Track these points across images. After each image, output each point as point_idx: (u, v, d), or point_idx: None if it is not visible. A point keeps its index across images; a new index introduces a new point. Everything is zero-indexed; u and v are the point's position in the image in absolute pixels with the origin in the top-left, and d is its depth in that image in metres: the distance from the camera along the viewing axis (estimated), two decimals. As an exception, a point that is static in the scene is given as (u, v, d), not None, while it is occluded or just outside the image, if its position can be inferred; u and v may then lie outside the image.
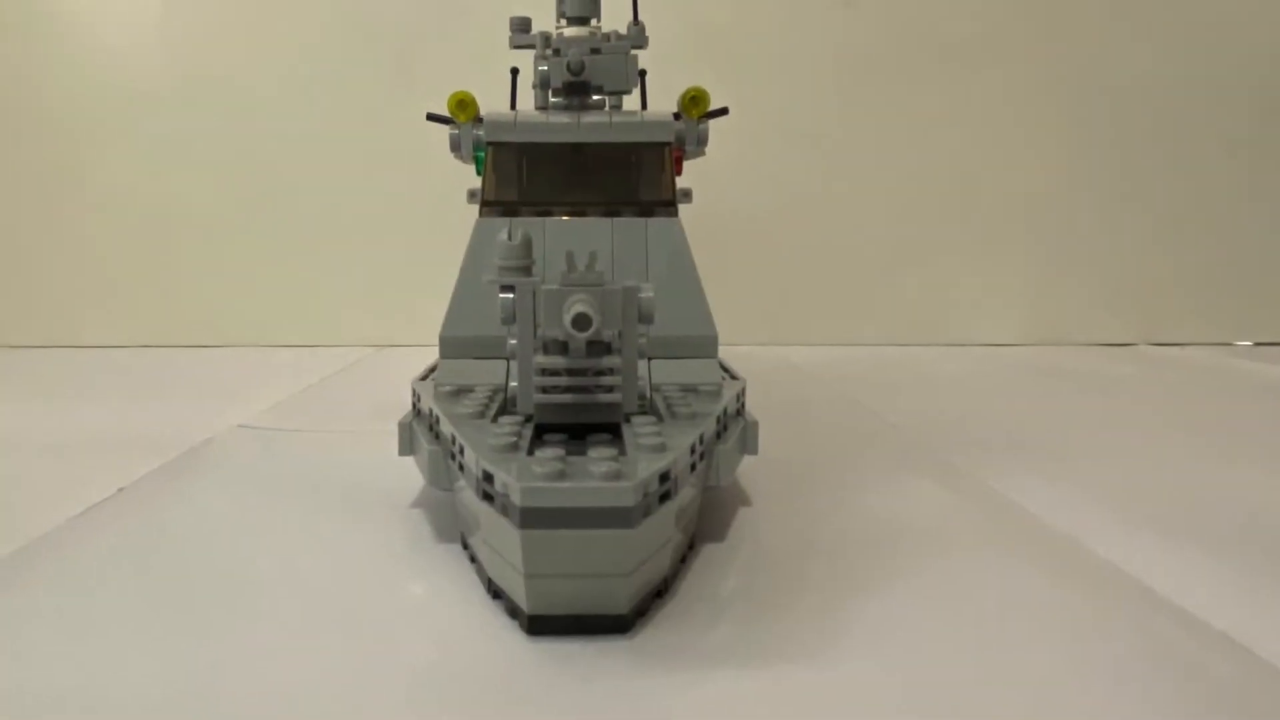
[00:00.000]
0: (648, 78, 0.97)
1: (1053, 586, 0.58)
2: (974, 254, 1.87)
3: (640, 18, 0.97)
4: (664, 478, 0.51)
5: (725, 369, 0.82)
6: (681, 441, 0.56)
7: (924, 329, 1.81)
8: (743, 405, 0.75)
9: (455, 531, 0.64)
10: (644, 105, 0.97)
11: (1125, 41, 1.86)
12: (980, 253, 1.88)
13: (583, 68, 0.88)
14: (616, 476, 0.47)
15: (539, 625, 0.50)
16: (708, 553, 0.63)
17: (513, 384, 0.64)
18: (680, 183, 0.90)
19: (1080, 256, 1.91)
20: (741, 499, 0.75)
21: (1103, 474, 0.86)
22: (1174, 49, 1.86)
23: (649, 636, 0.50)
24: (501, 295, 0.60)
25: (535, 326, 0.59)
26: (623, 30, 0.93)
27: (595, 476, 0.47)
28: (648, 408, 0.68)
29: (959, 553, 0.64)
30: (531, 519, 0.46)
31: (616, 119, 0.87)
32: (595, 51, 0.89)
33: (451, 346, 0.80)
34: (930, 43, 1.83)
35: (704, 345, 0.80)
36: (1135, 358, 1.71)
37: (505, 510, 0.48)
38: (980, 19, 1.84)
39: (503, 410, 0.66)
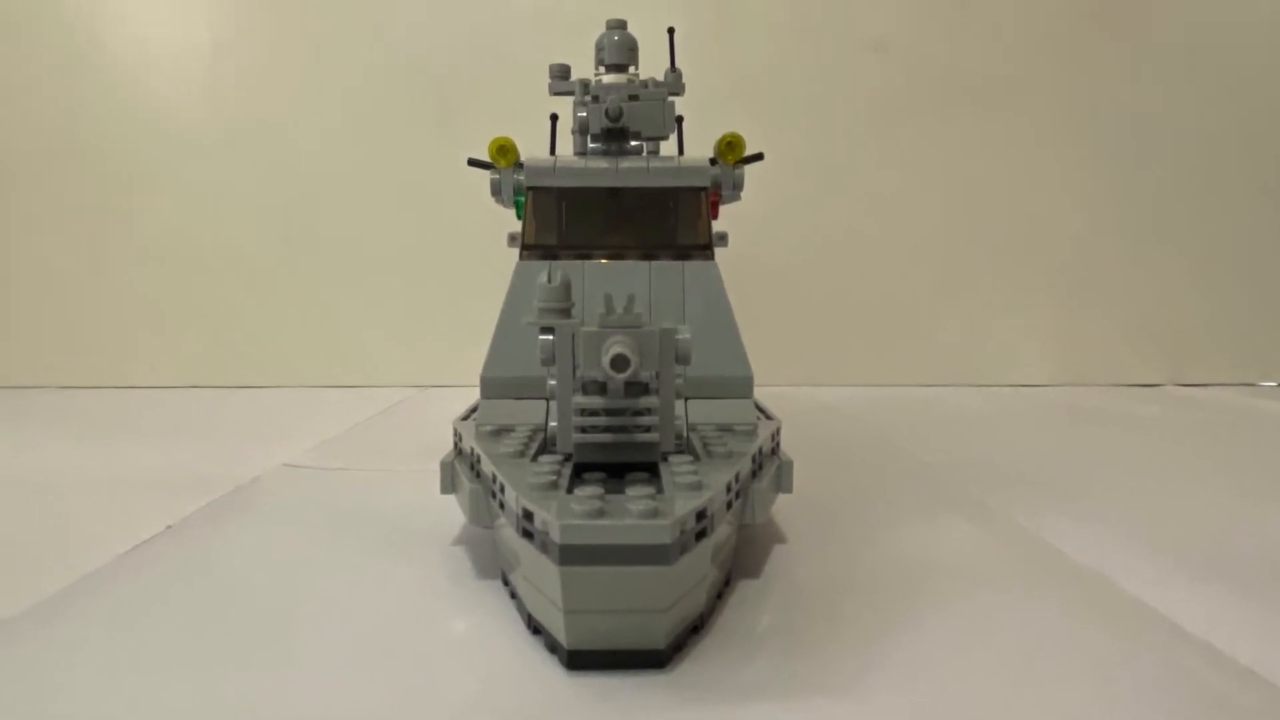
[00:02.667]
0: (684, 123, 0.98)
1: (1081, 623, 0.58)
2: (1004, 296, 1.88)
3: (677, 65, 0.98)
4: (700, 515, 0.52)
5: (760, 409, 0.83)
6: (718, 480, 0.57)
7: (954, 370, 1.81)
8: (778, 444, 0.76)
9: (496, 568, 0.66)
10: (681, 151, 0.98)
11: (1154, 85, 1.87)
12: (1010, 295, 1.89)
13: (621, 114, 0.90)
14: (654, 514, 0.48)
15: (578, 660, 0.51)
16: (743, 589, 0.63)
17: (552, 424, 0.65)
18: (716, 226, 0.91)
19: (1108, 298, 1.92)
20: (776, 536, 0.76)
21: (1131, 512, 0.86)
22: (1203, 92, 1.87)
23: (686, 671, 0.51)
24: (541, 337, 0.61)
25: (574, 367, 0.60)
26: (660, 77, 0.95)
27: (633, 514, 0.48)
28: (685, 447, 0.69)
29: (989, 590, 0.64)
30: (570, 556, 0.47)
31: (654, 164, 0.88)
32: (633, 98, 0.91)
33: (492, 387, 0.81)
34: (960, 86, 1.85)
35: (740, 386, 0.81)
36: (1162, 398, 1.70)
37: (545, 547, 0.49)
38: (1010, 62, 1.85)
39: (542, 449, 0.67)
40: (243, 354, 1.75)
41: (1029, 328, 1.91)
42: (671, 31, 1.01)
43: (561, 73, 0.98)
